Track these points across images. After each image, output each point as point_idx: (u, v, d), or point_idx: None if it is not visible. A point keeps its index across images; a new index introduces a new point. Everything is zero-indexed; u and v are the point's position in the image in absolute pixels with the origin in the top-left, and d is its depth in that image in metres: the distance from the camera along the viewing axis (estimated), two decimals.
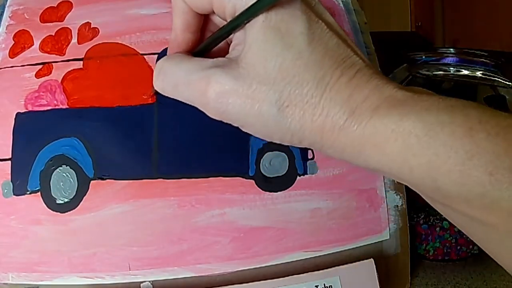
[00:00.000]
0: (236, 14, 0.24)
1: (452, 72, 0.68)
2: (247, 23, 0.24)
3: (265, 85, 0.24)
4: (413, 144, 0.22)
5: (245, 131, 0.26)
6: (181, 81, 0.26)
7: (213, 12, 0.26)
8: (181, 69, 0.26)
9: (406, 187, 0.52)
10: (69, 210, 0.42)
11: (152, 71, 0.46)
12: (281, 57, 0.24)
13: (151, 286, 0.43)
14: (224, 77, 0.24)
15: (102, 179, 0.43)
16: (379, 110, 0.23)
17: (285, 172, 0.47)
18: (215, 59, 0.26)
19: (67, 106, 0.44)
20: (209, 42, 0.27)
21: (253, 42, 0.24)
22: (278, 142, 0.26)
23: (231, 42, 0.27)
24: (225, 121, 0.25)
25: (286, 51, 0.24)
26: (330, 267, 0.44)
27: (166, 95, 0.27)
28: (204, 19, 0.29)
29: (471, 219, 0.24)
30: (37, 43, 0.45)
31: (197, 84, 0.25)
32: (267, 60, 0.24)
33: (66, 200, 0.42)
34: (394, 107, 0.23)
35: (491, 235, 0.24)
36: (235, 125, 0.26)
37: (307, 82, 0.24)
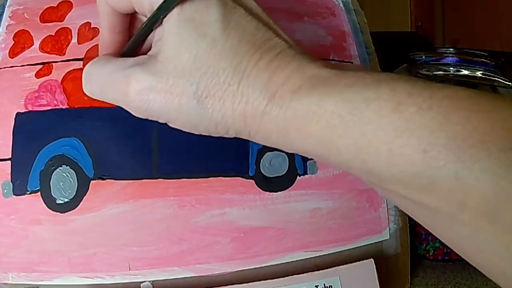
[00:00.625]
0: (154, 10, 0.24)
1: (452, 72, 0.68)
2: (164, 18, 0.24)
3: (181, 78, 0.23)
4: (337, 124, 0.21)
5: (172, 126, 0.25)
6: (105, 82, 0.26)
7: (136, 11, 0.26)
8: (105, 70, 0.26)
9: None
10: (69, 210, 0.42)
11: None
12: (195, 48, 0.23)
13: (151, 286, 0.43)
14: (142, 74, 0.24)
15: (102, 179, 0.43)
16: (300, 91, 0.22)
17: (285, 172, 0.47)
18: (136, 57, 0.26)
19: (67, 106, 0.44)
20: (133, 41, 0.27)
21: (168, 35, 0.24)
22: (205, 134, 0.25)
23: None
24: (150, 119, 0.25)
25: (200, 41, 0.23)
26: (330, 267, 0.44)
27: (95, 98, 0.27)
28: (131, 18, 0.28)
29: (412, 202, 0.22)
30: (37, 43, 0.45)
31: (119, 84, 0.25)
32: (181, 52, 0.23)
33: (66, 200, 0.42)
34: (315, 87, 0.22)
35: (435, 219, 0.22)
36: (161, 121, 0.25)
37: (223, 71, 0.23)
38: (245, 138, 0.25)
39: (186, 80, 0.23)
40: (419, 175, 0.20)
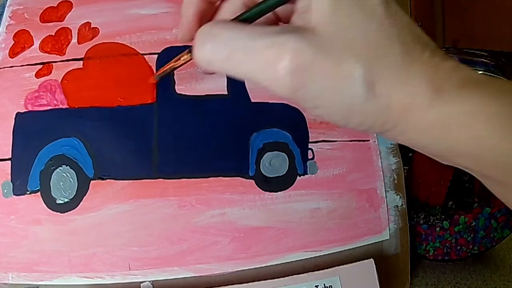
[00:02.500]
0: None
1: None
2: None
3: (353, 56, 0.21)
4: (503, 126, 0.21)
5: (315, 114, 0.23)
6: (240, 48, 0.22)
7: None
8: (240, 34, 0.22)
9: (406, 187, 0.52)
10: (69, 210, 0.42)
11: (152, 71, 0.46)
12: (365, 27, 0.21)
13: (151, 286, 0.43)
14: (304, 44, 0.21)
15: (102, 179, 0.43)
16: (465, 89, 0.22)
17: (285, 172, 0.47)
18: (281, 25, 0.23)
19: (67, 106, 0.44)
20: (261, 8, 0.23)
21: (329, 9, 0.21)
22: (353, 126, 0.23)
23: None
24: (293, 101, 0.22)
25: (368, 21, 0.21)
26: (330, 267, 0.44)
27: (211, 68, 0.23)
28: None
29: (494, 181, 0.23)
30: (37, 43, 0.45)
31: (265, 52, 0.21)
32: (351, 29, 0.21)
33: (66, 200, 0.42)
34: (477, 87, 0.22)
35: None
36: (305, 106, 0.22)
37: (394, 56, 0.21)
38: (391, 137, 0.23)
39: (357, 59, 0.21)
40: None
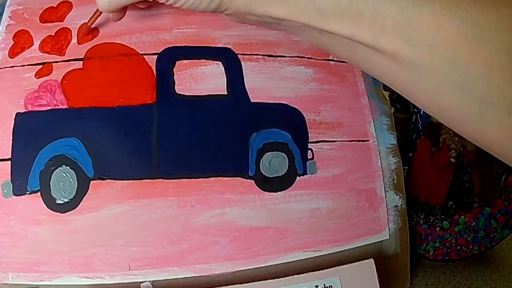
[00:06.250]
0: None
1: None
2: None
3: None
4: None
5: (182, 5, 0.36)
6: None
7: None
8: None
9: (406, 187, 0.52)
10: (69, 210, 0.42)
11: (152, 71, 0.46)
12: None
13: (151, 286, 0.43)
14: None
15: (102, 179, 0.43)
16: None
17: (284, 172, 0.47)
18: None
19: (67, 106, 0.44)
20: None
21: None
22: (203, 7, 0.35)
23: None
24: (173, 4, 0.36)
25: None
26: (330, 267, 0.44)
27: (112, 8, 0.38)
28: None
29: (347, 40, 0.31)
30: (37, 43, 0.45)
31: None
32: None
33: (66, 200, 0.42)
34: None
35: (363, 53, 0.31)
36: (178, 5, 0.36)
37: None
38: (224, 7, 0.34)
39: None
40: (350, 8, 0.29)
